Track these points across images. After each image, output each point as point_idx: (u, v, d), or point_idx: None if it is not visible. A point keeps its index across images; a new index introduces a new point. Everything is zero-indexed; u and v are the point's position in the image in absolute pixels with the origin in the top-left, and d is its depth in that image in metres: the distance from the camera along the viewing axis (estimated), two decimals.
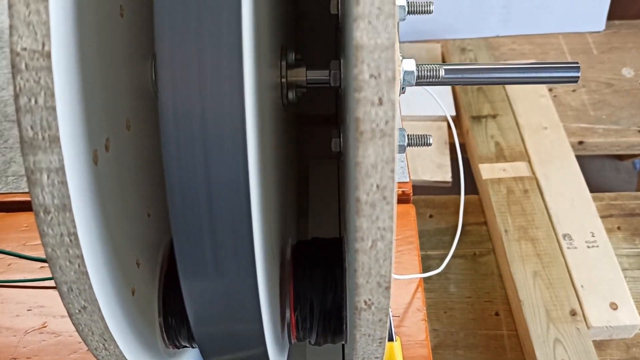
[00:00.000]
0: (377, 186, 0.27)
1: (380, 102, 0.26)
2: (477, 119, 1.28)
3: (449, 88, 1.33)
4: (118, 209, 0.33)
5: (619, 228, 1.16)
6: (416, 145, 0.45)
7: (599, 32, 1.48)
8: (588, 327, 0.98)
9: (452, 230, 1.16)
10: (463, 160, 0.73)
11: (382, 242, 0.28)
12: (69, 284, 0.29)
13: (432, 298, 1.06)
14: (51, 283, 0.64)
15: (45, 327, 0.61)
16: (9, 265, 0.66)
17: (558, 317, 0.99)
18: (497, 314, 1.06)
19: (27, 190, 0.73)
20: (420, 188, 1.22)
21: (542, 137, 1.24)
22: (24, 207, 0.70)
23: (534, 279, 1.05)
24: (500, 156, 1.22)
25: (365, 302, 0.30)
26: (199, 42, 0.26)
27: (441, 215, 1.20)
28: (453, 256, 0.99)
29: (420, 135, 0.45)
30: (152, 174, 0.39)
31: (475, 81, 0.45)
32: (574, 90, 1.37)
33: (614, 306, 1.00)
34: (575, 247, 1.07)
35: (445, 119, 1.29)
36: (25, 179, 0.73)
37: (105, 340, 0.32)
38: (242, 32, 0.26)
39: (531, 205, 1.14)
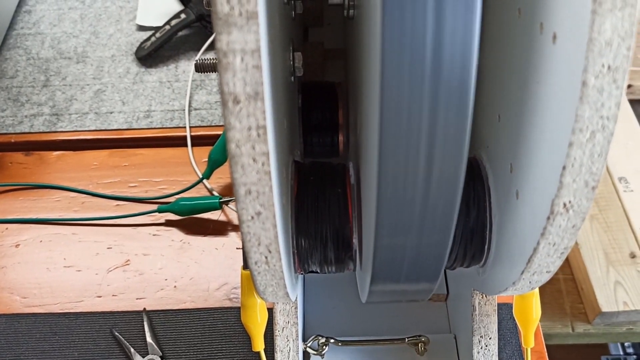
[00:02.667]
0: (609, 67, 0.24)
1: None
2: None
3: None
4: (276, 108, 0.30)
5: None
6: None
7: None
8: None
9: None
10: None
11: (602, 133, 0.25)
12: (249, 185, 0.26)
13: None
14: (129, 221, 0.62)
15: (128, 264, 0.59)
16: (82, 203, 0.63)
17: (617, 259, 0.98)
18: None
19: (92, 128, 0.70)
20: None
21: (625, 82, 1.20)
22: (91, 145, 0.68)
23: (591, 223, 1.03)
24: None
25: (564, 205, 0.28)
26: None
27: None
28: None
29: None
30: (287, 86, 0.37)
31: None
32: None
33: None
34: (632, 190, 1.05)
35: None
36: (89, 116, 0.69)
37: (269, 252, 0.30)
38: None
39: None
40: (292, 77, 0.41)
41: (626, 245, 0.98)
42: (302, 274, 0.40)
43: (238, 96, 0.24)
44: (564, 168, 0.26)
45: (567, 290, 1.00)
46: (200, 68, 0.42)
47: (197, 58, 0.71)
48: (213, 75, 0.72)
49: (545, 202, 0.28)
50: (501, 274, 0.37)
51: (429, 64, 0.24)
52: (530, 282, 0.34)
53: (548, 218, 0.28)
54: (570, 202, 0.28)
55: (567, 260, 1.03)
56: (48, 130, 0.68)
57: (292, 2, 0.41)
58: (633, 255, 0.97)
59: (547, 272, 0.32)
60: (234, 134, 0.25)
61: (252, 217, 0.28)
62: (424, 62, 0.24)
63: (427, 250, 0.30)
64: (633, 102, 1.23)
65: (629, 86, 1.25)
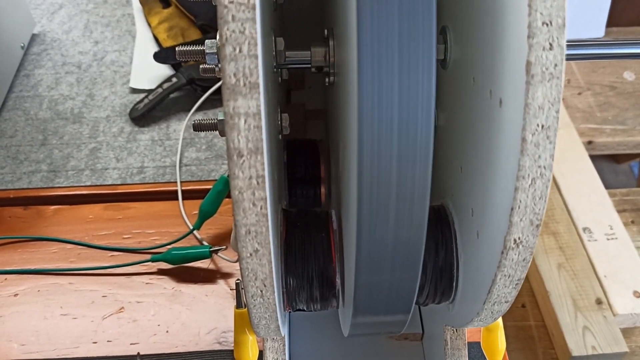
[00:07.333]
0: (542, 126, 0.30)
1: (551, 47, 0.28)
2: None
3: None
4: (270, 162, 0.35)
5: (632, 222, 1.21)
6: None
7: (599, 38, 1.54)
8: (614, 315, 1.01)
9: None
10: None
11: (541, 180, 0.31)
12: (248, 226, 0.31)
13: None
14: (123, 270, 0.65)
15: (122, 311, 0.62)
16: (78, 254, 0.67)
17: (585, 306, 1.03)
18: (523, 306, 1.09)
19: (88, 183, 0.75)
20: None
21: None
22: (86, 199, 0.72)
23: (558, 271, 1.08)
24: None
25: (515, 241, 0.33)
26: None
27: None
28: None
29: None
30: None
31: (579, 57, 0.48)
32: (580, 94, 1.43)
33: (637, 294, 1.04)
34: (596, 240, 1.11)
35: None
36: (85, 172, 0.74)
37: (265, 286, 0.34)
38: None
39: (550, 201, 1.17)
40: (280, 135, 0.47)
41: (592, 292, 1.04)
42: (290, 311, 0.45)
43: (242, 151, 0.29)
44: (512, 209, 0.32)
45: (539, 336, 1.05)
46: (199, 127, 0.47)
47: (193, 119, 0.77)
48: (202, 134, 0.78)
49: (500, 239, 0.33)
50: (467, 307, 0.41)
51: (396, 129, 0.29)
52: (492, 312, 0.39)
53: (502, 253, 0.33)
54: (519, 238, 0.33)
55: (537, 308, 1.08)
56: (45, 186, 0.72)
57: (279, 69, 0.47)
58: (599, 302, 1.03)
59: (505, 302, 0.37)
60: (238, 182, 0.30)
61: (251, 254, 0.32)
62: (393, 127, 0.29)
63: (399, 285, 0.35)
64: (594, 158, 1.31)
65: (590, 142, 1.33)
